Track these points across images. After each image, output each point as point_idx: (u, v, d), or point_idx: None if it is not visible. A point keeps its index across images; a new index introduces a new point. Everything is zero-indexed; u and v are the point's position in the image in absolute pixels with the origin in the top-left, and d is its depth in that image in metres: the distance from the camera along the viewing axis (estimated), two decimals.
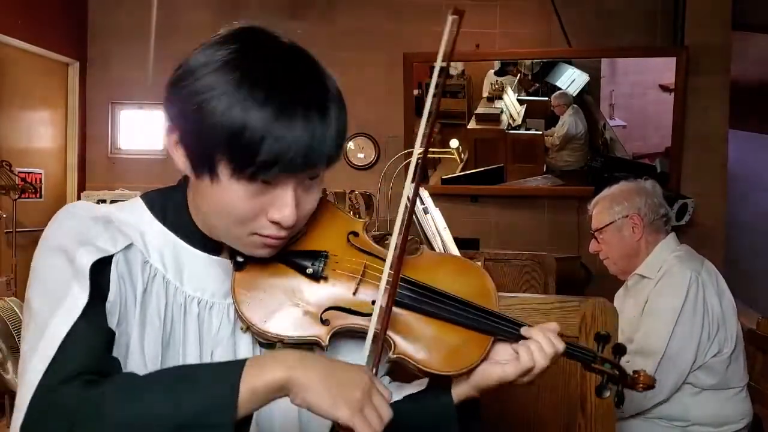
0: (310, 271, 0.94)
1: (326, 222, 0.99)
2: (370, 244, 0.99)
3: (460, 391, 0.99)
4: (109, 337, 0.82)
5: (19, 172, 3.80)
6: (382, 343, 0.88)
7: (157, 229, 0.92)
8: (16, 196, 3.69)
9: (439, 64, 0.96)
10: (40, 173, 4.11)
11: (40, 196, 4.07)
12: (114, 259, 0.85)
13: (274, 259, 0.94)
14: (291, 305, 0.93)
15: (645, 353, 1.98)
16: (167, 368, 0.83)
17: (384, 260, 0.95)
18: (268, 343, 0.93)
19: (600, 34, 4.16)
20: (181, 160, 0.87)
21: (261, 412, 0.92)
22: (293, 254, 0.95)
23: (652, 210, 2.17)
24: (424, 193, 2.09)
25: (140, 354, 0.86)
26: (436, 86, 0.97)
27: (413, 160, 0.96)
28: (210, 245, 0.94)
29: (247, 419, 0.75)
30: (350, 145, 4.36)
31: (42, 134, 4.18)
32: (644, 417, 2.05)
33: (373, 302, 0.92)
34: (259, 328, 0.90)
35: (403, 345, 0.95)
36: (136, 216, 0.92)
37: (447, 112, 4.24)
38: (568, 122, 4.11)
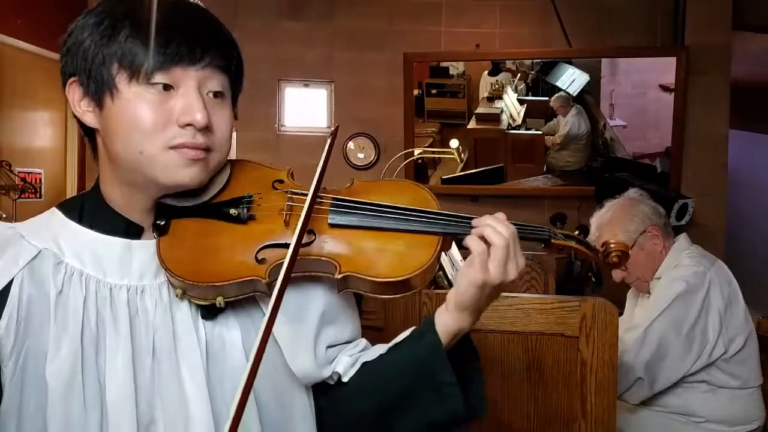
0: (234, 212, 0.91)
1: (247, 175, 0.97)
2: (296, 184, 0.97)
3: (444, 323, 0.95)
4: None
5: (19, 172, 3.80)
6: (296, 249, 0.84)
7: (72, 231, 0.91)
8: (16, 196, 3.69)
9: (315, 180, 0.92)
10: (40, 173, 4.11)
11: (40, 197, 4.06)
12: (15, 280, 0.85)
13: (197, 216, 0.92)
14: (222, 252, 0.90)
15: (635, 327, 1.99)
16: None
17: (308, 193, 0.92)
18: (207, 304, 0.89)
19: (600, 34, 4.15)
20: (87, 116, 0.90)
21: (212, 372, 0.90)
22: (215, 205, 0.93)
23: (657, 214, 2.17)
24: None
25: (59, 360, 0.84)
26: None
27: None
28: (131, 230, 0.93)
29: None
30: (350, 145, 4.35)
31: (42, 134, 4.18)
32: (660, 411, 2.05)
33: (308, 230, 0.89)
34: (193, 283, 0.87)
35: (348, 262, 0.91)
36: (49, 224, 0.92)
37: (447, 112, 4.24)
38: (571, 122, 4.11)
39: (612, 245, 1.00)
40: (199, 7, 0.92)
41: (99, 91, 0.87)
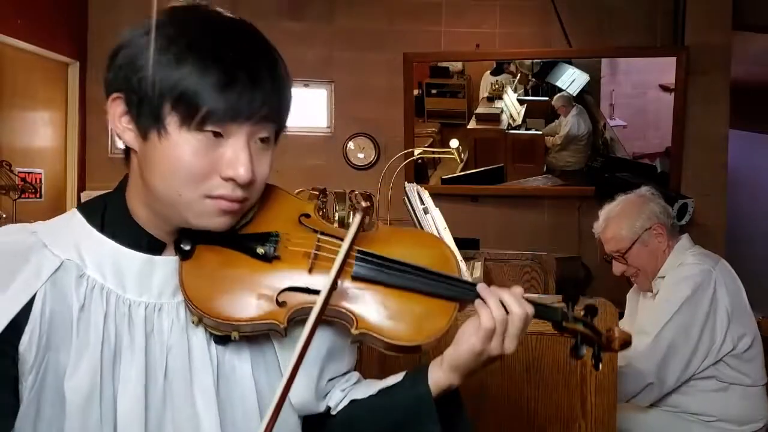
0: (261, 251, 0.90)
1: (276, 206, 0.96)
2: (323, 223, 0.96)
3: (436, 379, 0.95)
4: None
5: (19, 172, 3.80)
6: (325, 305, 0.84)
7: (94, 239, 0.89)
8: (16, 197, 3.69)
9: (343, 252, 0.89)
10: (40, 173, 4.11)
11: (40, 197, 4.06)
12: (39, 294, 0.83)
13: (223, 245, 0.90)
14: (244, 290, 0.89)
15: (643, 332, 1.99)
16: None
17: (337, 237, 0.92)
18: (222, 335, 0.89)
19: (600, 34, 4.15)
20: (126, 133, 0.86)
21: (221, 392, 0.90)
22: (242, 237, 0.91)
23: (665, 214, 2.17)
24: (424, 194, 2.09)
25: (78, 376, 0.84)
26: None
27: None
28: (153, 244, 0.91)
29: None
30: (350, 145, 4.36)
31: (42, 134, 4.18)
32: (670, 411, 2.05)
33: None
34: (211, 317, 0.86)
35: (365, 319, 0.91)
36: (71, 229, 0.90)
37: (447, 112, 4.25)
38: (571, 122, 4.11)
39: (616, 333, 1.01)
40: (267, 46, 0.88)
41: (146, 124, 0.83)
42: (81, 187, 4.39)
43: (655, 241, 2.15)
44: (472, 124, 4.21)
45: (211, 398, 0.89)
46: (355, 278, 0.93)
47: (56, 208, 4.17)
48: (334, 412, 1.01)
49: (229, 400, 0.91)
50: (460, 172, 4.25)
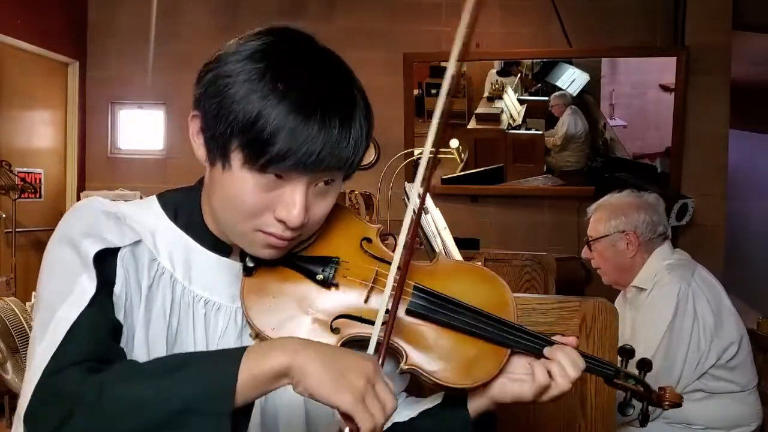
0: (320, 277, 0.91)
1: (339, 227, 0.97)
2: (383, 250, 0.96)
3: (476, 405, 0.97)
4: (116, 327, 0.82)
5: (19, 172, 3.80)
6: (386, 344, 0.85)
7: (168, 228, 0.91)
8: (16, 196, 3.69)
9: (455, 55, 0.89)
10: (40, 173, 4.11)
11: (40, 196, 4.06)
12: (120, 253, 0.85)
13: (284, 265, 0.91)
14: (300, 313, 0.90)
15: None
16: (168, 356, 0.82)
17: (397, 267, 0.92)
18: None
19: (600, 34, 4.15)
20: (199, 150, 0.88)
21: (266, 407, 0.91)
22: (304, 259, 0.92)
23: (649, 229, 2.11)
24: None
25: (145, 350, 0.85)
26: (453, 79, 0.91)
27: (423, 160, 0.91)
28: (220, 247, 0.93)
29: (248, 409, 0.74)
30: None
31: (42, 134, 4.18)
32: (659, 421, 2.04)
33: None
34: (267, 336, 0.88)
35: (416, 356, 0.91)
36: (148, 214, 0.92)
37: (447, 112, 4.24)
38: (568, 122, 4.11)
39: (667, 394, 1.01)
40: (351, 91, 0.87)
41: (213, 153, 0.84)
42: (81, 187, 4.39)
43: (623, 246, 2.12)
44: (472, 124, 4.21)
45: (256, 406, 0.88)
46: (409, 313, 0.93)
47: (56, 208, 4.17)
48: None
49: (273, 411, 0.92)
50: (460, 172, 4.25)
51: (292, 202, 0.83)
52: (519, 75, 4.17)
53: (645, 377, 1.00)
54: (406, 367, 0.91)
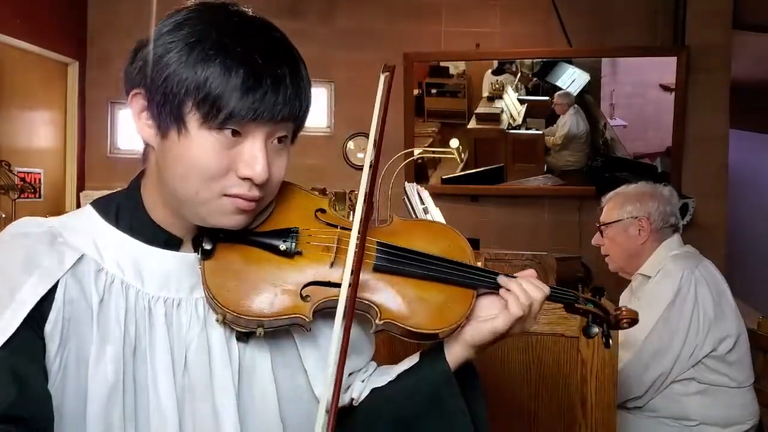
0: (283, 248, 0.91)
1: (291, 202, 0.98)
2: (339, 217, 0.98)
3: (454, 355, 0.98)
4: (33, 371, 0.80)
5: (19, 172, 3.79)
6: (353, 298, 0.85)
7: (111, 235, 0.90)
8: (16, 196, 3.68)
9: (375, 127, 0.93)
10: (40, 173, 4.11)
11: (40, 196, 4.06)
12: (60, 283, 0.83)
13: (243, 243, 0.91)
14: (268, 286, 0.90)
15: (627, 345, 1.99)
16: None
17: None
18: (246, 331, 0.90)
19: (600, 34, 4.15)
20: (145, 129, 0.87)
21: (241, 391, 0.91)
22: (263, 234, 0.92)
23: (662, 218, 2.18)
24: (424, 193, 2.09)
25: (101, 368, 0.84)
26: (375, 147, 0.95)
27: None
28: (170, 241, 0.91)
29: None
30: (350, 145, 4.36)
31: (41, 134, 4.18)
32: (651, 416, 2.05)
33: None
34: (236, 314, 0.87)
35: (388, 308, 0.93)
36: (86, 224, 0.90)
37: (447, 112, 4.24)
38: (570, 122, 4.11)
39: (624, 312, 1.07)
40: (289, 47, 0.88)
41: (166, 121, 0.84)
42: (80, 187, 4.38)
43: (635, 231, 2.17)
44: (472, 124, 4.21)
45: (231, 394, 0.89)
46: (376, 270, 0.95)
47: (55, 208, 4.17)
48: (356, 403, 1.02)
49: (249, 396, 0.92)
50: (460, 172, 4.25)
51: (254, 157, 0.84)
52: (518, 74, 4.17)
53: (600, 300, 1.07)
54: (381, 322, 0.93)
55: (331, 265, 0.93)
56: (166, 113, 0.83)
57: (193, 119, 0.82)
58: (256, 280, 0.90)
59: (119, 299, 0.86)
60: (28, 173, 3.95)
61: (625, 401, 2.03)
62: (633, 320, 1.07)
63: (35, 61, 4.03)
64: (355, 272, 0.87)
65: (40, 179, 4.10)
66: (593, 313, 1.05)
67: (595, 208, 2.36)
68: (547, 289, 0.99)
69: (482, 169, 4.25)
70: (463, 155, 4.18)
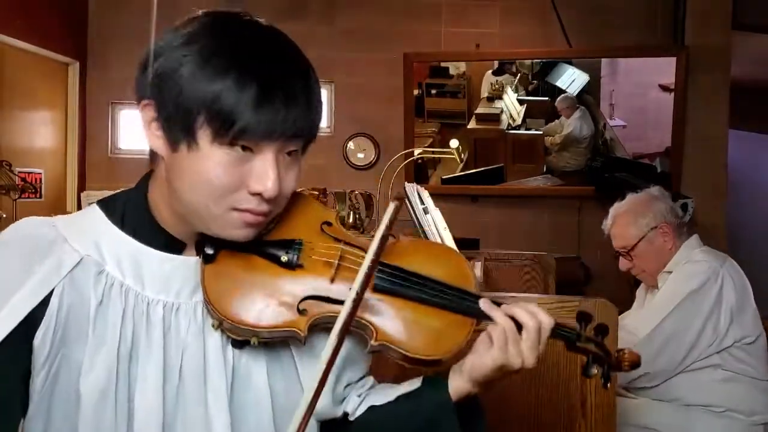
0: (284, 259, 0.90)
1: (298, 212, 0.97)
2: (344, 232, 0.97)
3: (456, 387, 0.96)
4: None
5: (19, 172, 3.79)
6: (350, 318, 0.84)
7: (114, 235, 0.89)
8: (16, 196, 3.68)
9: (375, 246, 0.89)
10: (40, 173, 4.11)
11: (40, 196, 4.06)
12: (57, 289, 0.83)
13: (246, 251, 0.90)
14: (266, 296, 0.89)
15: (633, 330, 2.00)
16: None
17: (359, 247, 0.94)
18: (241, 339, 0.89)
19: (600, 34, 4.15)
20: (155, 140, 0.86)
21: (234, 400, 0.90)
22: (265, 244, 0.91)
23: (673, 214, 2.19)
24: (424, 193, 2.09)
25: (95, 371, 0.83)
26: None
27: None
28: (173, 244, 0.91)
29: None
30: (350, 145, 4.36)
31: (42, 134, 4.18)
32: (677, 404, 2.05)
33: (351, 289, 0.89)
34: (232, 322, 0.86)
35: (385, 330, 0.92)
36: (90, 224, 0.90)
37: (447, 112, 4.25)
38: (574, 125, 4.11)
39: (626, 354, 1.03)
40: (301, 60, 0.87)
41: (176, 134, 0.83)
42: (81, 187, 4.39)
43: (661, 240, 2.17)
44: (472, 124, 4.22)
45: (224, 401, 0.89)
46: (377, 290, 0.93)
47: (56, 208, 4.17)
48: (352, 418, 1.01)
49: (242, 404, 0.91)
50: (460, 172, 4.25)
51: (265, 173, 0.83)
52: (519, 74, 4.17)
53: (602, 341, 1.02)
54: (376, 343, 0.91)
55: (332, 280, 0.92)
56: (177, 127, 0.82)
57: (204, 134, 0.81)
58: (254, 288, 0.90)
59: (117, 302, 0.86)
60: (28, 173, 3.95)
61: (632, 379, 2.01)
62: (634, 363, 1.02)
63: (36, 61, 4.03)
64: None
65: (40, 179, 4.10)
66: (594, 353, 1.01)
67: (595, 208, 2.37)
68: (545, 319, 0.95)
69: (482, 169, 4.25)
70: (462, 155, 4.18)
